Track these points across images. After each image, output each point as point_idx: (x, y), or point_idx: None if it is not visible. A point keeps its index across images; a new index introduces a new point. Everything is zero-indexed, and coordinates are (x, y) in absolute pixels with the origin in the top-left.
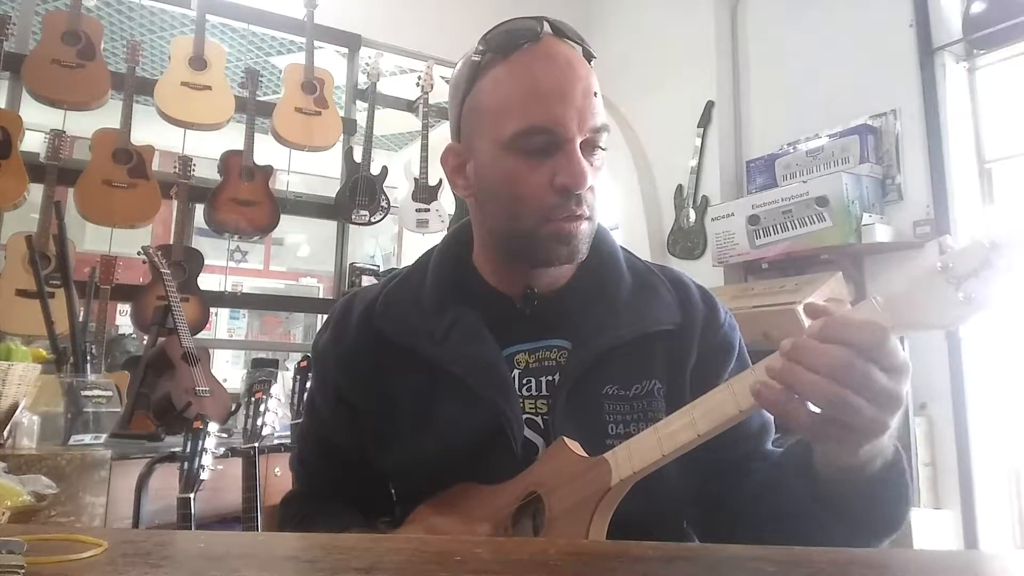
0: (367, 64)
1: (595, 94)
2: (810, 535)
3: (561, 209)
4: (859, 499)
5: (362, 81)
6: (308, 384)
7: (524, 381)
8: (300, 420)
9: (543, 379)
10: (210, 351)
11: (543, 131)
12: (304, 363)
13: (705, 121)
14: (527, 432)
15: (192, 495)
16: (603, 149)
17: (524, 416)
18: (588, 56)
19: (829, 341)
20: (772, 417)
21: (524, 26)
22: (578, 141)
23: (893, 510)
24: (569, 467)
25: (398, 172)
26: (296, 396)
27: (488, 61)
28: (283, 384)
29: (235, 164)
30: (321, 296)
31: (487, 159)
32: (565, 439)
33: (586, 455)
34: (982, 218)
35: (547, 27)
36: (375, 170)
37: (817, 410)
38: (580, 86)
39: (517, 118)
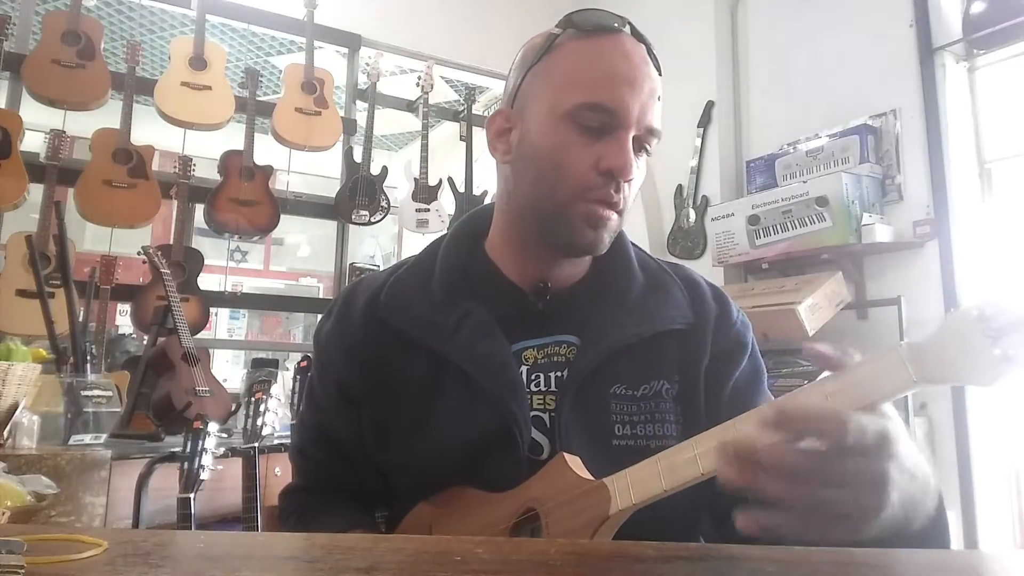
0: (367, 64)
1: (659, 98)
2: None
3: (599, 191)
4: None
5: (362, 81)
6: (308, 373)
7: (532, 376)
8: (300, 409)
9: (551, 375)
10: (210, 351)
11: (605, 110)
12: (304, 363)
13: (705, 121)
14: (533, 432)
15: (192, 495)
16: (648, 154)
17: (531, 414)
18: (657, 68)
19: (784, 432)
20: None
21: (608, 17)
22: (632, 133)
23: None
24: (568, 488)
25: (398, 172)
26: (296, 396)
27: (566, 37)
28: (283, 384)
29: (235, 164)
30: (321, 296)
31: (539, 125)
32: (565, 455)
33: (587, 475)
34: (982, 217)
35: (628, 28)
36: (375, 170)
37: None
38: (649, 84)
39: (583, 91)
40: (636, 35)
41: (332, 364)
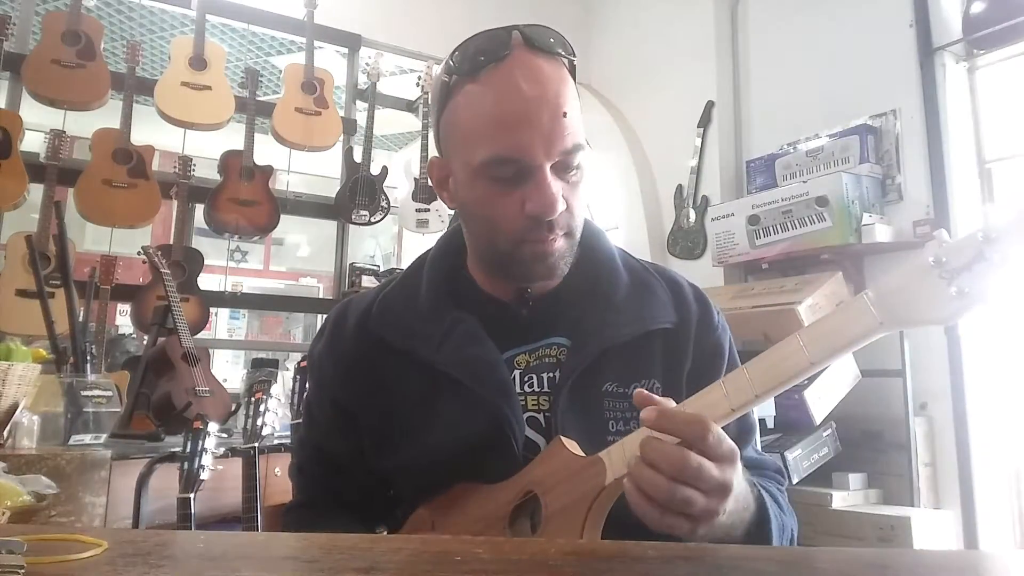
0: (367, 64)
1: (565, 114)
2: None
3: (534, 232)
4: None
5: (362, 81)
6: (305, 392)
7: (525, 379)
8: (298, 426)
9: (544, 375)
10: (210, 351)
11: (509, 161)
12: (304, 363)
13: (705, 121)
14: (528, 431)
15: (192, 495)
16: (578, 168)
17: (526, 414)
18: (569, 64)
19: (662, 431)
20: (755, 421)
21: (493, 40)
22: (548, 166)
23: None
24: (565, 466)
25: (398, 172)
26: (296, 396)
27: (455, 82)
28: (283, 384)
29: (235, 164)
30: (321, 296)
31: (462, 180)
32: (562, 438)
33: (582, 454)
34: (982, 217)
35: (517, 37)
36: (375, 170)
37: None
38: (548, 109)
39: (484, 146)
40: (528, 41)
41: (326, 381)
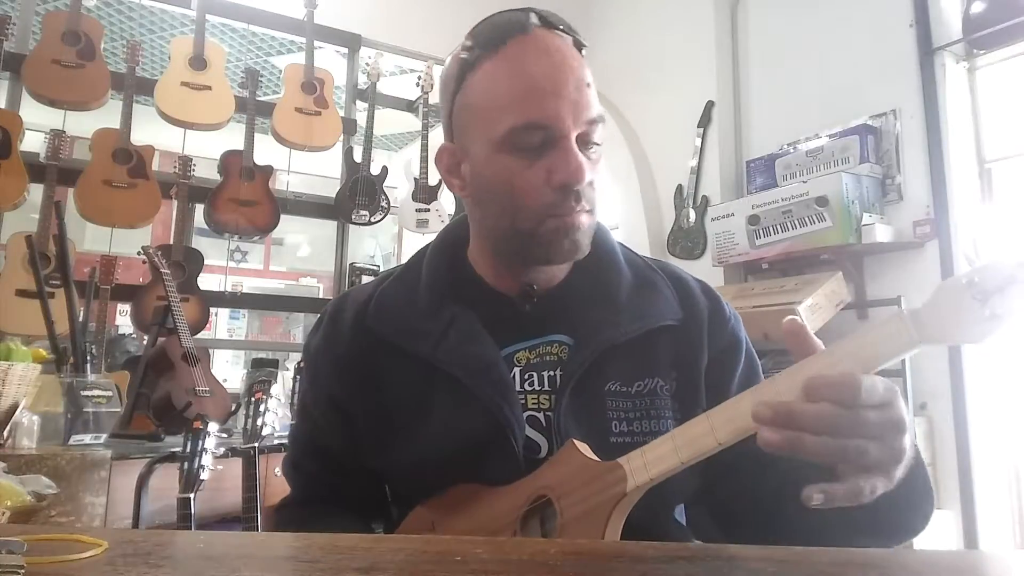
0: (367, 64)
1: (588, 85)
2: (832, 534)
3: (561, 206)
4: (887, 507)
5: (362, 81)
6: (299, 387)
7: (525, 376)
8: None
9: (544, 374)
10: (210, 351)
11: (537, 127)
12: (304, 363)
13: (705, 121)
14: (529, 431)
15: (192, 495)
16: (598, 144)
17: (526, 413)
18: (579, 45)
19: (814, 400)
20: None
21: (512, 18)
22: (573, 135)
23: (918, 512)
24: (581, 471)
25: (398, 172)
26: (296, 396)
27: (477, 57)
28: (283, 384)
29: (235, 164)
30: (321, 296)
31: (482, 158)
32: (575, 442)
33: (596, 459)
34: (982, 217)
35: (535, 18)
36: (375, 170)
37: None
38: (573, 78)
39: (510, 115)
40: (545, 22)
41: (322, 376)
